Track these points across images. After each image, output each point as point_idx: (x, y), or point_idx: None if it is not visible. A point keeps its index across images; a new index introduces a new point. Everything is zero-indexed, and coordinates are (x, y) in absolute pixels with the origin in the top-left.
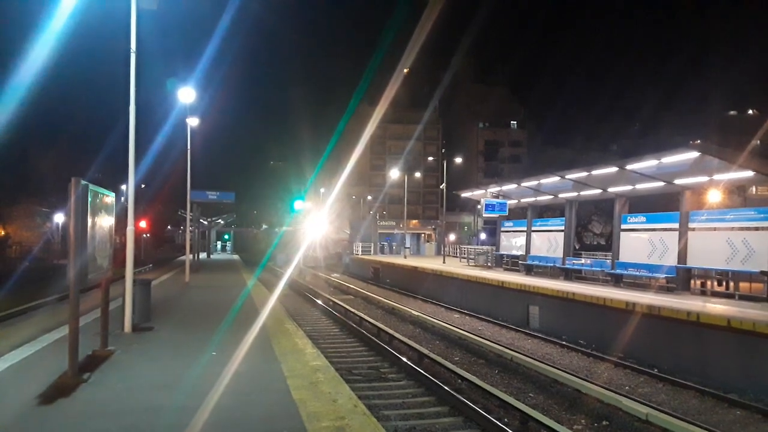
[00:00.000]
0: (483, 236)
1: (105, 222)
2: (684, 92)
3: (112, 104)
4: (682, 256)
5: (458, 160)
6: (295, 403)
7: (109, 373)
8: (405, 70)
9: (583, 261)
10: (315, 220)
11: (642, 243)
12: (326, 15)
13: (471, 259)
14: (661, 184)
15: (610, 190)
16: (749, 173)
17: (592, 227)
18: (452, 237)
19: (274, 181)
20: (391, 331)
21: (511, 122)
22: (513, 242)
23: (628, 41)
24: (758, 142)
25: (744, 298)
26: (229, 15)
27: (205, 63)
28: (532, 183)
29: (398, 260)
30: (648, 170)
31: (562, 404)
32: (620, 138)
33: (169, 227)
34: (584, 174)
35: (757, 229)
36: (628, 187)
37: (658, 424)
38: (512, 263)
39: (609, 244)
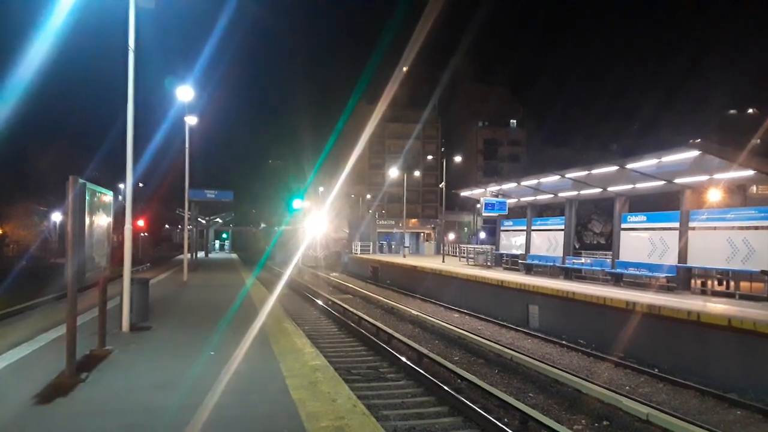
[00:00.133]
0: (482, 235)
1: (103, 221)
2: (684, 92)
3: (110, 103)
4: (683, 255)
5: (458, 159)
6: (295, 402)
7: (107, 373)
8: (404, 69)
9: (583, 260)
10: (314, 219)
11: (642, 242)
12: (325, 14)
13: (470, 258)
14: (661, 183)
15: (610, 189)
16: (749, 172)
17: (592, 226)
18: (452, 236)
19: (273, 179)
20: (390, 331)
21: (511, 121)
22: (513, 241)
23: (628, 41)
24: (758, 140)
25: (744, 297)
26: (227, 13)
27: (204, 61)
28: (532, 182)
29: (397, 259)
30: (648, 169)
31: (562, 404)
32: (620, 137)
33: (167, 226)
34: (584, 173)
35: (757, 228)
36: (629, 186)
37: (659, 424)
38: (512, 262)
39: (609, 243)
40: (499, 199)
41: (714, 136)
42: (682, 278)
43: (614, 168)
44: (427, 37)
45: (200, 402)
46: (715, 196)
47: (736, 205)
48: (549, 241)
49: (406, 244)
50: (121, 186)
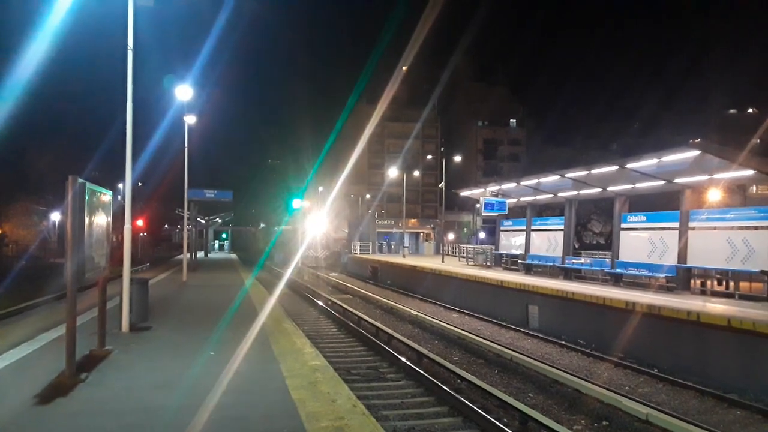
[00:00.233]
0: (482, 235)
1: (102, 220)
2: (684, 91)
3: (109, 102)
4: (682, 255)
5: (457, 158)
6: (294, 402)
7: (107, 373)
8: (404, 68)
9: (582, 260)
10: (314, 219)
11: (642, 242)
12: (325, 12)
13: (470, 258)
14: (661, 183)
15: (610, 189)
16: (749, 172)
17: (592, 226)
18: (451, 236)
19: (273, 179)
20: (389, 331)
21: (511, 121)
22: (512, 241)
23: (628, 41)
24: (758, 140)
25: (744, 297)
26: (226, 12)
27: (203, 60)
28: (532, 182)
29: (397, 259)
30: (648, 169)
31: (562, 404)
32: (620, 137)
33: (166, 226)
34: (584, 173)
35: (757, 228)
36: (628, 186)
37: (658, 424)
38: (511, 262)
39: (609, 243)
40: (499, 198)
41: (714, 136)
42: (682, 278)
43: (614, 168)
44: (426, 37)
45: (200, 402)
46: (714, 195)
47: (735, 205)
48: (549, 241)
49: (406, 244)
50: (121, 186)
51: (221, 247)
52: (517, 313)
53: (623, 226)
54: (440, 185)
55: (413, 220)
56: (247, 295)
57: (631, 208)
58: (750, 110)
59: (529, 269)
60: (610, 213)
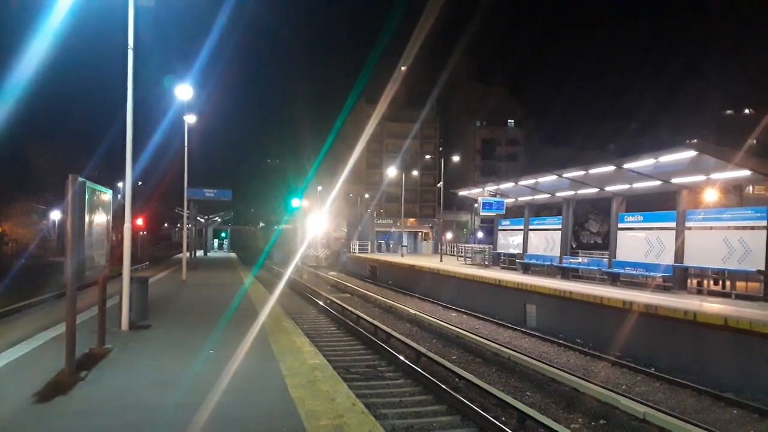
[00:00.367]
0: (480, 235)
1: (102, 219)
2: (682, 92)
3: (109, 101)
4: (679, 255)
5: (456, 158)
6: (294, 401)
7: (107, 371)
8: (403, 69)
9: (580, 260)
10: (315, 218)
11: (639, 242)
12: (325, 12)
13: (468, 257)
14: (658, 183)
15: (608, 188)
16: (746, 172)
17: (589, 226)
18: (449, 235)
19: (272, 178)
20: (388, 330)
21: (509, 121)
22: (510, 241)
23: (627, 41)
24: (755, 141)
25: (741, 297)
26: (226, 11)
27: (203, 60)
28: (530, 181)
29: (395, 258)
30: (645, 169)
31: (560, 403)
32: (618, 137)
33: (165, 225)
34: (581, 173)
35: (753, 228)
36: (626, 186)
37: (656, 423)
38: (509, 262)
39: (606, 242)
40: (497, 198)
41: (711, 137)
42: (679, 278)
43: (611, 168)
44: (426, 37)
45: (200, 400)
46: (711, 196)
47: (732, 205)
48: (546, 240)
49: (404, 243)
50: (120, 184)
51: (221, 246)
52: (515, 312)
53: (620, 225)
54: (439, 185)
55: (412, 220)
56: (246, 293)
57: (628, 208)
58: (747, 111)
59: (526, 268)
60: (608, 213)
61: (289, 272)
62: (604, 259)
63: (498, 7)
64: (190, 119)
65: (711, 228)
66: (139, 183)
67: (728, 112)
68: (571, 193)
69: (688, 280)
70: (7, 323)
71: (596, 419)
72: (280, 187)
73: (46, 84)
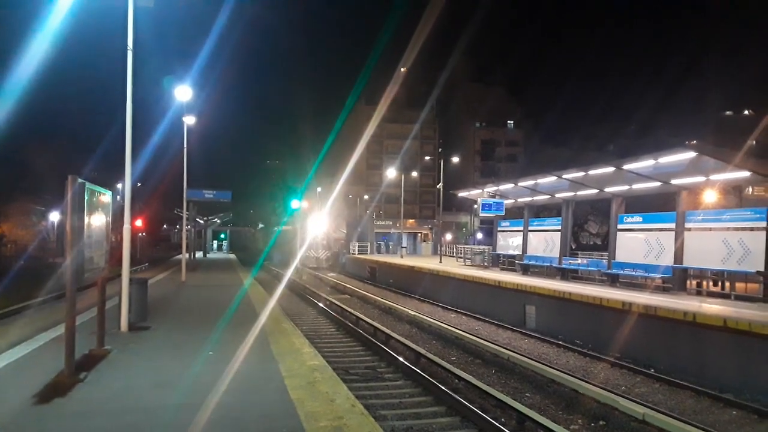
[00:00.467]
0: (480, 236)
1: (101, 220)
2: (682, 93)
3: (109, 102)
4: (679, 256)
5: (455, 159)
6: (293, 402)
7: (106, 373)
8: (403, 70)
9: (579, 261)
10: (315, 219)
11: (638, 243)
12: (325, 13)
13: (468, 258)
14: (657, 184)
15: (607, 189)
16: (745, 173)
17: (589, 227)
18: (449, 236)
19: (271, 180)
20: (387, 331)
21: (508, 122)
22: (510, 242)
23: (627, 41)
24: (754, 142)
25: (740, 298)
26: (226, 12)
27: (202, 60)
28: (529, 183)
29: (395, 260)
30: (644, 170)
31: (559, 404)
32: (617, 138)
33: (165, 226)
34: (581, 174)
35: (752, 229)
36: (625, 187)
37: (655, 424)
38: (509, 263)
39: (605, 244)
40: (496, 199)
41: (710, 137)
42: (678, 279)
43: (611, 169)
44: (425, 37)
45: (199, 401)
46: (711, 197)
47: (731, 206)
48: (546, 241)
49: (404, 244)
50: (120, 186)
51: (220, 248)
52: (514, 313)
53: (620, 227)
54: (438, 186)
55: (411, 221)
56: (246, 295)
57: (627, 209)
58: (747, 112)
59: (526, 270)
60: (607, 214)
61: (288, 273)
62: (604, 260)
63: (498, 7)
64: (190, 120)
65: (710, 229)
66: (139, 184)
67: (728, 112)
68: (570, 194)
69: (688, 281)
70: (6, 324)
71: (596, 420)
72: (279, 188)
73: (46, 84)
